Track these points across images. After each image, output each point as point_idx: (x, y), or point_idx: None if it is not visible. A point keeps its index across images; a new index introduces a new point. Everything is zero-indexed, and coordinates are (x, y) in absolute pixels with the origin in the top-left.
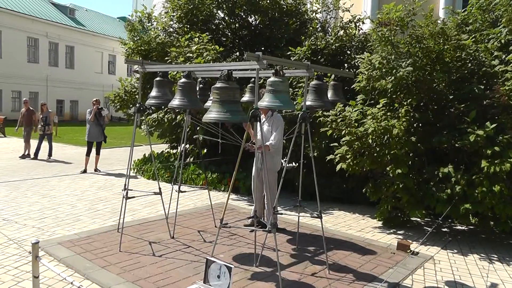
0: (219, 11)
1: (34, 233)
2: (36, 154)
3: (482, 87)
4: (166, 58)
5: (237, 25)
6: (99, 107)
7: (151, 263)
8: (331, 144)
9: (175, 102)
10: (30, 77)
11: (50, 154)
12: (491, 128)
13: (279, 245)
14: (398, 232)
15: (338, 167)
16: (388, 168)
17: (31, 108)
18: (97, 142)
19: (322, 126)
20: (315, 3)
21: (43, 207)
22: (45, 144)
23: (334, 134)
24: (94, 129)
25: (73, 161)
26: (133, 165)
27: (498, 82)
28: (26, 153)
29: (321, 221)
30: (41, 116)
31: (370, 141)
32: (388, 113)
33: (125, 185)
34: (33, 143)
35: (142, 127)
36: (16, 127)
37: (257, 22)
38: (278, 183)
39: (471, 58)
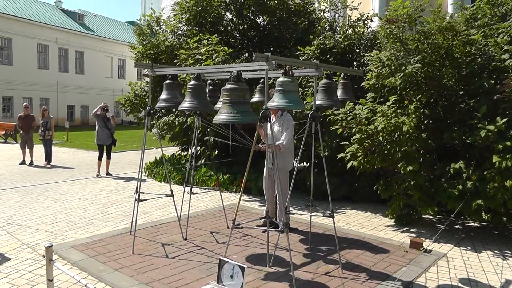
0: (227, 13)
1: (47, 237)
2: (48, 159)
3: (492, 81)
4: (176, 61)
5: (245, 26)
6: (104, 108)
7: (164, 265)
8: (342, 143)
9: (185, 104)
10: (41, 83)
11: (49, 160)
12: (502, 123)
13: (291, 245)
14: (411, 230)
15: (349, 165)
16: (399, 165)
17: (32, 114)
18: (107, 146)
19: (332, 125)
20: (323, 2)
21: (55, 212)
22: (44, 149)
23: (345, 132)
24: (101, 132)
25: (74, 166)
26: (144, 168)
27: (509, 76)
28: (33, 159)
29: (333, 220)
30: (41, 121)
31: (380, 138)
32: (398, 110)
33: (137, 188)
34: (36, 151)
35: (153, 130)
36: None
37: (265, 22)
38: (289, 183)
39: (480, 53)
